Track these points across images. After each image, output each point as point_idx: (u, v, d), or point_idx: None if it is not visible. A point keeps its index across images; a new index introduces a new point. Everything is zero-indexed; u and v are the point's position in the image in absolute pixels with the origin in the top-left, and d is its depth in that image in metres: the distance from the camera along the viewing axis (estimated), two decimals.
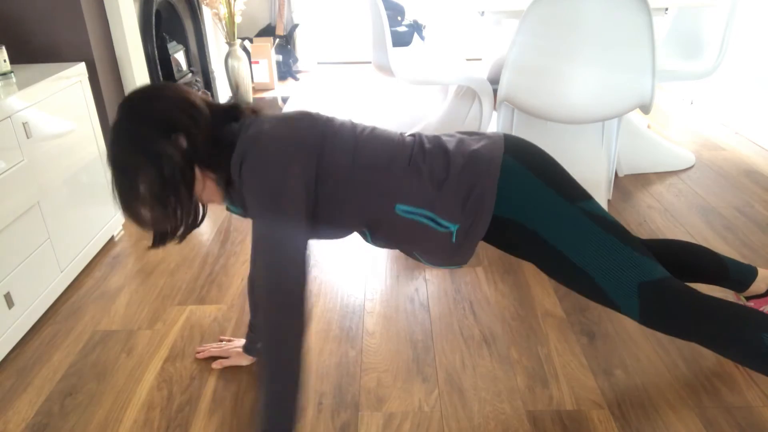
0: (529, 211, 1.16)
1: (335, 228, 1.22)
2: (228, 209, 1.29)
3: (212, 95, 3.52)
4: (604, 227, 1.17)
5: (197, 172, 1.14)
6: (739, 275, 1.45)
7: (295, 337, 1.05)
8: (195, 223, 1.22)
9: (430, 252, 1.23)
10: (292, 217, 1.07)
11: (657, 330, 1.20)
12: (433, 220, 1.17)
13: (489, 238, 1.24)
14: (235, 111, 1.19)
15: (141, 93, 1.13)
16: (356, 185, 1.15)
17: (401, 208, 1.17)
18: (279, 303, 1.05)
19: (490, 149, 1.19)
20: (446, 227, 1.18)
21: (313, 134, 1.14)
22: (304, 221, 1.10)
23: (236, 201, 1.20)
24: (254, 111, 1.21)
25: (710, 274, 1.44)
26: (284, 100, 3.90)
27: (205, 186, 1.17)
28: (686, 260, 1.44)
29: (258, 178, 1.07)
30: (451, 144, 1.21)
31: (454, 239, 1.18)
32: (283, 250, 1.06)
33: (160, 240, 1.19)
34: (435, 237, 1.19)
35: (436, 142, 1.22)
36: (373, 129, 1.23)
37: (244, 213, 1.25)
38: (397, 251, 2.06)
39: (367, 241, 1.27)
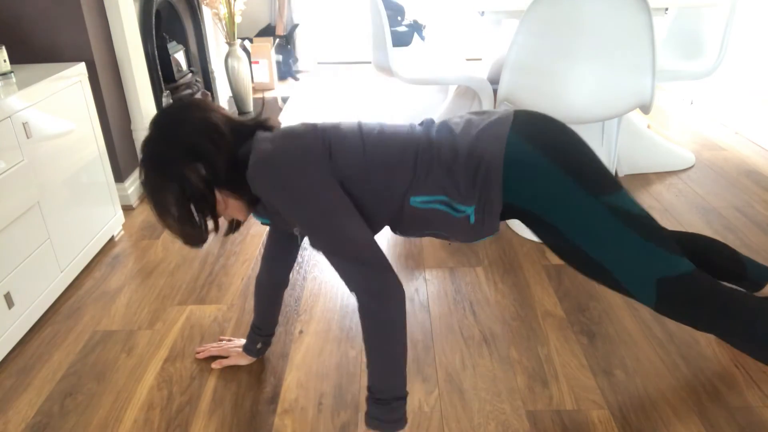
0: (544, 202, 1.11)
1: None
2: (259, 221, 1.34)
3: (212, 95, 3.52)
4: (627, 223, 1.11)
5: (218, 195, 1.17)
6: (755, 276, 1.45)
7: (401, 308, 1.10)
8: (227, 229, 1.29)
9: (455, 234, 1.20)
10: (335, 209, 1.09)
11: (671, 317, 1.20)
12: (448, 205, 1.15)
13: (510, 216, 1.21)
14: (256, 126, 1.21)
15: (170, 115, 1.16)
16: (369, 184, 1.15)
17: (415, 200, 1.16)
18: (377, 290, 1.08)
19: (496, 127, 1.15)
20: (462, 211, 1.15)
21: (317, 143, 1.14)
22: (348, 205, 1.11)
23: (261, 212, 1.26)
24: (270, 126, 1.22)
25: (727, 272, 1.45)
26: (284, 100, 3.90)
27: (228, 205, 1.20)
28: (704, 256, 1.44)
29: (283, 195, 1.10)
30: (458, 127, 1.19)
31: (472, 220, 1.15)
32: (353, 247, 1.08)
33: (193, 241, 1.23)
34: (454, 222, 1.17)
35: (444, 127, 1.20)
36: (381, 128, 1.21)
37: (272, 222, 1.29)
38: (398, 251, 2.06)
39: (394, 232, 1.27)
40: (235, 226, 1.30)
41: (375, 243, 1.11)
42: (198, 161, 1.12)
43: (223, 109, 1.21)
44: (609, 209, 1.11)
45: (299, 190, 1.09)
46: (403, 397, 1.13)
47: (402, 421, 1.13)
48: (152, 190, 1.15)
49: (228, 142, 1.14)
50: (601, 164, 1.15)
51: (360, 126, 1.21)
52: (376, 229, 1.23)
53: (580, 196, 1.10)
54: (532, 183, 1.11)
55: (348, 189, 1.14)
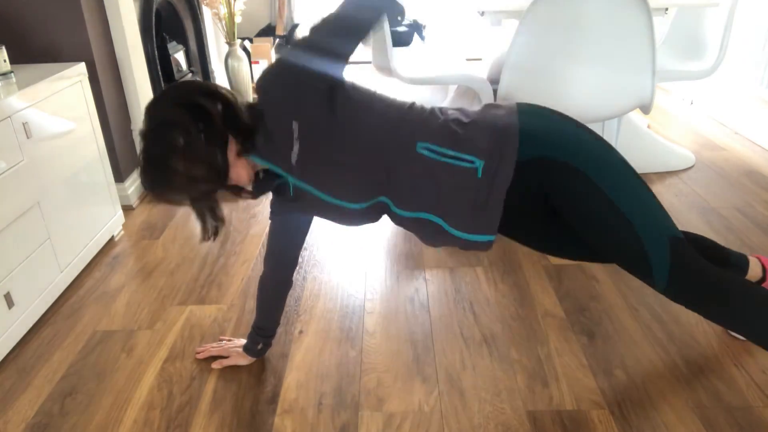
0: (570, 148, 1.12)
1: (351, 171, 1.17)
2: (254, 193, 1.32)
3: None
4: (639, 178, 1.17)
5: (231, 143, 1.17)
6: (737, 262, 1.49)
7: None
8: (224, 184, 1.21)
9: (454, 201, 1.16)
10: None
11: (680, 296, 1.17)
12: (456, 158, 1.13)
13: (522, 192, 1.18)
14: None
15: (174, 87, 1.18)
16: (376, 114, 1.16)
17: (423, 145, 1.14)
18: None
19: (503, 107, 1.21)
20: (470, 161, 1.13)
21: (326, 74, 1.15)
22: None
23: (264, 188, 1.28)
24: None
25: (714, 261, 1.46)
26: None
27: (236, 164, 1.19)
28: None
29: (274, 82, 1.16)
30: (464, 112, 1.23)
31: (480, 174, 1.13)
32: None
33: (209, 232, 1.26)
34: (459, 174, 1.14)
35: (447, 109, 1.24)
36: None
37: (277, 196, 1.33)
38: (398, 251, 2.05)
39: (390, 208, 1.23)
40: (215, 231, 1.26)
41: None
42: (216, 100, 1.15)
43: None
44: (623, 162, 1.16)
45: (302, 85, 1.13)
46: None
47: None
48: (164, 128, 1.12)
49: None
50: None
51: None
52: (363, 187, 1.19)
53: (599, 145, 1.15)
54: (557, 134, 1.14)
55: (350, 109, 1.16)
